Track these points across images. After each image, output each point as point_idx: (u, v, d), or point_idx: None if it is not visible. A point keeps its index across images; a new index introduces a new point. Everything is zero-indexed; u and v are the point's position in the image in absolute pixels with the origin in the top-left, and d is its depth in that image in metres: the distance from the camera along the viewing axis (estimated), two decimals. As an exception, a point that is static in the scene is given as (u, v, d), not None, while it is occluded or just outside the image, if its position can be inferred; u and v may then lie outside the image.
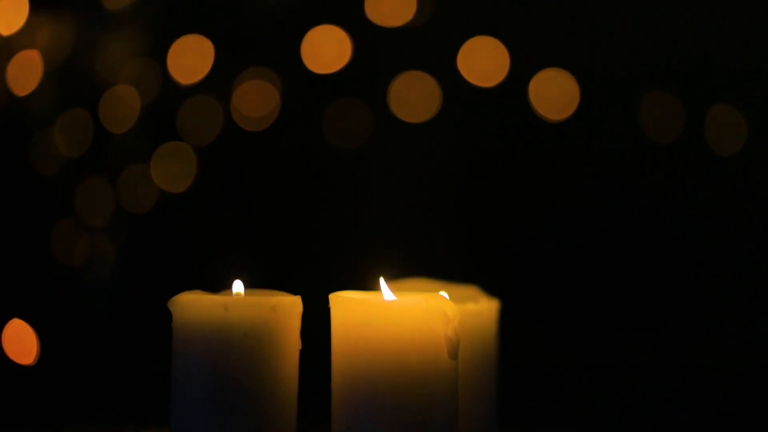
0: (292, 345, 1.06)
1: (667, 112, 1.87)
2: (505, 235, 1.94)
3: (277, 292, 1.08)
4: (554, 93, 1.88)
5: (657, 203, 1.92)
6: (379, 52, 1.92)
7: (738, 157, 1.86)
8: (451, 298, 1.03)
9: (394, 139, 1.93)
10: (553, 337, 1.91)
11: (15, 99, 1.84)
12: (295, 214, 1.96)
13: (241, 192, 1.97)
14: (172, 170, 1.92)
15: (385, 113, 1.91)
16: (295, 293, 1.07)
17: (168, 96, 1.91)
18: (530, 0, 1.93)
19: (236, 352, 1.03)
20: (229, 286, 1.10)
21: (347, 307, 1.01)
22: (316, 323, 1.09)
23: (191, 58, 1.91)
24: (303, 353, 1.07)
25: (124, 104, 1.90)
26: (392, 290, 1.05)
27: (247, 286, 1.10)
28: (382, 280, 1.06)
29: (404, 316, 0.99)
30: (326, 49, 1.91)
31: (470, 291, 1.22)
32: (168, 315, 1.06)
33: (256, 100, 1.93)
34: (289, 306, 1.05)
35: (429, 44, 1.91)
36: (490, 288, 1.24)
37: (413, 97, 1.91)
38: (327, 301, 1.03)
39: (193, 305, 1.04)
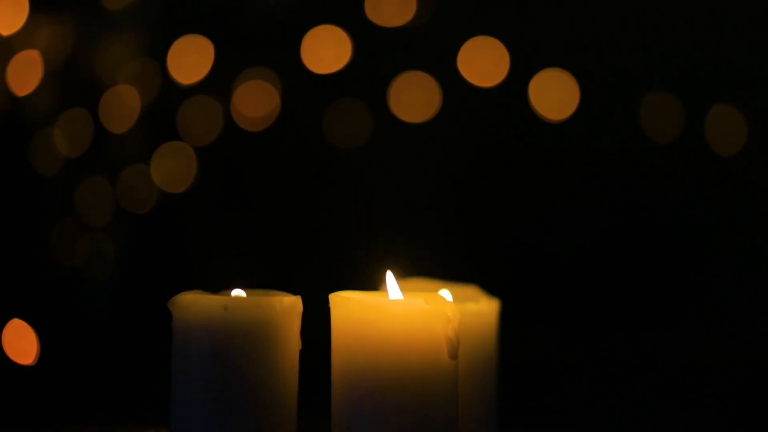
0: (292, 345, 1.06)
1: (667, 112, 1.87)
2: (505, 235, 1.94)
3: (277, 292, 1.08)
4: (554, 93, 1.88)
5: (657, 203, 1.92)
6: (379, 52, 1.92)
7: (738, 157, 1.86)
8: (451, 298, 1.03)
9: (394, 139, 1.93)
10: (553, 337, 1.91)
11: (15, 99, 1.84)
12: (295, 214, 1.96)
13: (241, 192, 1.97)
14: (172, 170, 1.92)
15: (385, 113, 1.91)
16: (295, 293, 1.07)
17: (168, 96, 1.91)
18: (530, 0, 1.93)
19: (236, 352, 1.03)
20: (229, 288, 1.10)
21: (347, 307, 1.01)
22: (316, 323, 1.09)
23: (191, 58, 1.91)
24: (303, 353, 1.07)
25: (124, 104, 1.90)
26: (396, 288, 1.05)
27: (247, 286, 1.10)
28: (389, 274, 1.06)
29: (404, 316, 0.99)
30: (326, 49, 1.91)
31: (470, 291, 1.22)
32: (168, 315, 1.06)
33: (256, 100, 1.93)
34: (289, 306, 1.05)
35: (429, 44, 1.91)
36: (490, 288, 1.24)
37: (413, 97, 1.91)
38: (327, 301, 1.03)
39: (193, 305, 1.04)
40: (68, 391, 1.83)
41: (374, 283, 1.19)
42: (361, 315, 1.00)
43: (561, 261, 1.93)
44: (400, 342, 0.99)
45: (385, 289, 1.06)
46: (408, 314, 0.99)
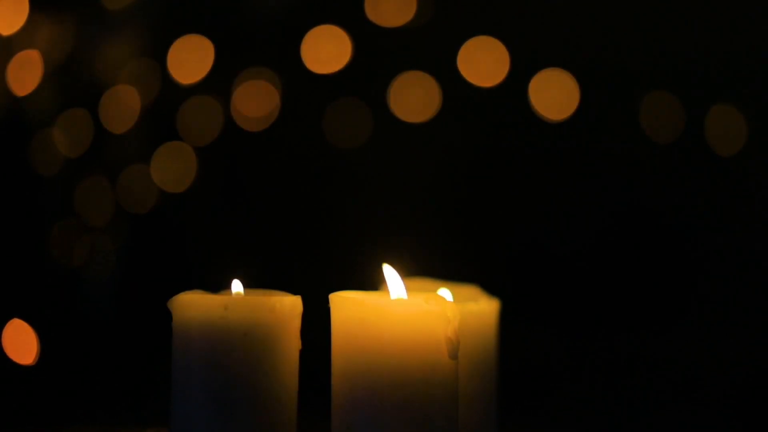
0: (292, 345, 1.06)
1: (667, 112, 1.87)
2: (505, 235, 1.94)
3: (277, 292, 1.08)
4: (554, 93, 1.88)
5: (657, 203, 1.92)
6: (379, 52, 1.92)
7: (738, 157, 1.86)
8: (451, 298, 1.03)
9: (394, 139, 1.93)
10: (553, 337, 1.91)
11: (15, 99, 1.84)
12: (295, 214, 1.96)
13: (241, 192, 1.97)
14: (172, 170, 1.92)
15: (385, 113, 1.91)
16: (295, 293, 1.07)
17: (168, 96, 1.91)
18: (530, 0, 1.93)
19: (236, 352, 1.03)
20: (229, 286, 1.10)
21: (347, 307, 1.01)
22: (316, 323, 1.09)
23: (191, 58, 1.91)
24: (303, 353, 1.07)
25: (124, 104, 1.90)
26: (391, 285, 1.05)
27: (247, 286, 1.10)
28: (387, 267, 1.05)
29: (404, 317, 0.99)
30: (326, 49, 1.91)
31: (470, 291, 1.22)
32: (168, 315, 1.06)
33: (256, 100, 1.93)
34: (289, 306, 1.05)
35: (429, 44, 1.91)
36: (490, 288, 1.24)
37: (413, 97, 1.91)
38: (327, 301, 1.03)
39: (193, 305, 1.04)
40: (68, 391, 1.83)
41: (374, 283, 1.18)
42: (361, 315, 1.00)
43: (561, 261, 1.93)
44: (400, 342, 0.99)
45: (385, 287, 1.06)
46: (408, 314, 0.99)
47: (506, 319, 1.23)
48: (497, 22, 1.91)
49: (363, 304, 1.00)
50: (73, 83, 1.88)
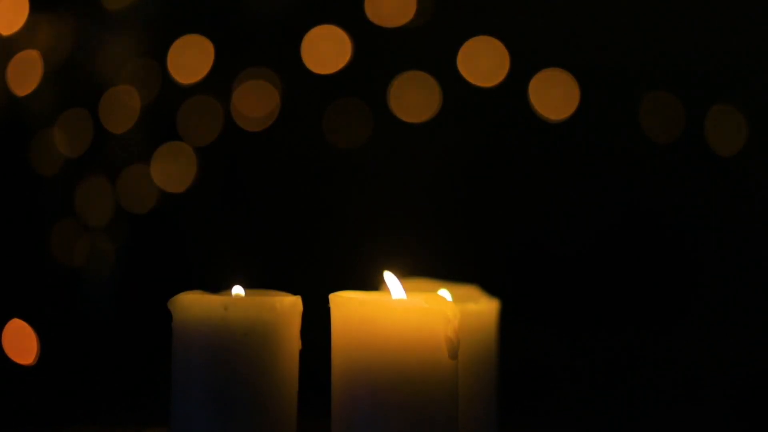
0: (292, 345, 1.06)
1: (667, 112, 1.87)
2: (505, 235, 1.94)
3: (277, 292, 1.08)
4: (554, 93, 1.88)
5: (657, 203, 1.92)
6: (379, 52, 1.92)
7: (738, 157, 1.86)
8: (451, 298, 1.03)
9: (394, 139, 1.93)
10: (553, 337, 1.91)
11: (15, 99, 1.84)
12: (295, 214, 1.96)
13: (241, 192, 1.97)
14: (172, 170, 1.92)
15: (385, 113, 1.91)
16: (295, 293, 1.07)
17: (168, 96, 1.91)
18: (530, 0, 1.93)
19: (236, 352, 1.03)
20: (229, 287, 1.10)
21: (347, 307, 1.01)
22: (316, 323, 1.09)
23: (191, 58, 1.91)
24: (303, 353, 1.07)
25: (124, 104, 1.90)
26: (392, 290, 1.05)
27: (247, 286, 1.10)
28: (388, 273, 1.06)
29: (404, 316, 0.99)
30: (326, 49, 1.91)
31: (470, 291, 1.22)
32: (168, 315, 1.06)
33: (256, 100, 1.93)
34: (289, 306, 1.05)
35: (429, 44, 1.91)
36: (490, 288, 1.24)
37: (413, 97, 1.91)
38: (327, 301, 1.03)
39: (193, 305, 1.04)
40: (68, 391, 1.83)
41: (374, 283, 1.19)
42: (361, 315, 1.00)
43: (561, 261, 1.93)
44: (400, 342, 0.99)
45: (385, 289, 1.06)
46: (408, 314, 0.99)
47: (506, 319, 1.23)
48: (497, 22, 1.91)
49: (363, 304, 1.00)
50: (73, 83, 1.88)
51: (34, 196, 1.88)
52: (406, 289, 1.05)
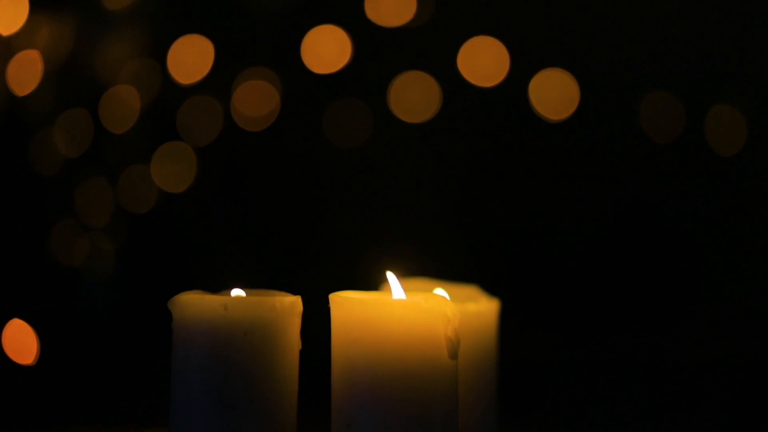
0: (292, 345, 1.06)
1: (667, 112, 1.87)
2: (505, 235, 1.94)
3: (277, 292, 1.08)
4: (554, 93, 1.88)
5: (657, 203, 1.92)
6: (379, 52, 1.92)
7: (738, 157, 1.86)
8: (451, 298, 1.03)
9: (394, 139, 1.93)
10: (553, 337, 1.91)
11: (15, 99, 1.84)
12: (295, 214, 1.96)
13: (241, 192, 1.97)
14: (172, 170, 1.92)
15: (385, 113, 1.91)
16: (295, 293, 1.07)
17: (168, 96, 1.91)
18: (530, 0, 1.93)
19: (236, 352, 1.03)
20: (229, 288, 1.10)
21: (347, 307, 1.01)
22: (316, 323, 1.09)
23: (191, 58, 1.91)
24: (303, 353, 1.07)
25: (124, 104, 1.90)
26: (394, 290, 1.05)
27: (247, 286, 1.10)
28: (390, 274, 1.06)
29: (404, 316, 0.99)
30: (326, 49, 1.91)
31: (470, 291, 1.22)
32: (168, 315, 1.06)
33: (256, 100, 1.93)
34: (289, 306, 1.05)
35: (429, 44, 1.91)
36: (490, 288, 1.24)
37: (413, 97, 1.91)
38: (327, 301, 1.03)
39: (193, 305, 1.04)
40: (68, 391, 1.83)
41: (374, 283, 1.19)
42: (361, 315, 1.00)
43: (561, 261, 1.93)
44: (400, 342, 0.99)
45: (386, 289, 1.05)
46: (408, 314, 0.99)
47: (506, 319, 1.23)
48: (497, 22, 1.91)
49: (363, 304, 1.00)
50: (73, 83, 1.88)
51: (34, 196, 1.88)
52: (406, 289, 1.05)
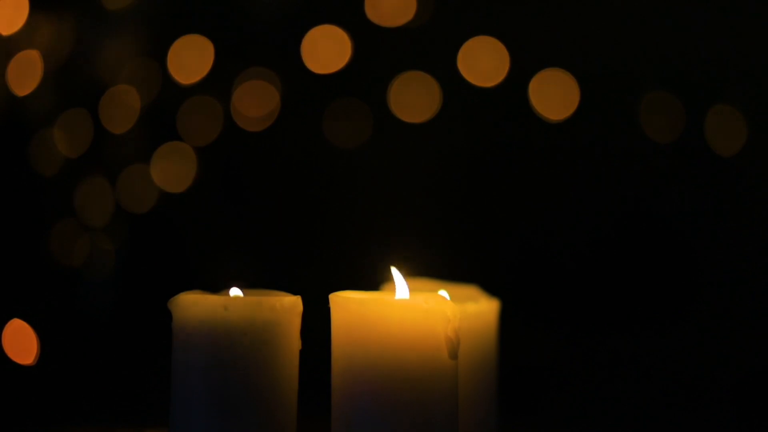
0: (292, 345, 1.06)
1: (667, 112, 1.87)
2: (505, 235, 1.94)
3: (277, 292, 1.08)
4: (554, 93, 1.88)
5: (657, 203, 1.92)
6: (379, 52, 1.92)
7: (738, 157, 1.86)
8: (451, 298, 1.03)
9: (394, 139, 1.93)
10: (553, 337, 1.91)
11: (15, 99, 1.84)
12: (295, 214, 1.96)
13: (240, 192, 1.97)
14: (172, 170, 1.92)
15: (385, 113, 1.91)
16: (295, 293, 1.07)
17: (168, 96, 1.91)
18: (530, 0, 1.93)
19: (236, 352, 1.03)
20: (228, 288, 1.10)
21: (347, 307, 1.01)
22: (316, 323, 1.09)
23: (191, 58, 1.91)
24: (303, 353, 1.07)
25: (124, 104, 1.90)
26: (398, 286, 1.05)
27: (246, 286, 1.10)
28: (395, 270, 1.05)
29: (404, 316, 0.99)
30: (326, 49, 1.91)
31: (470, 291, 1.22)
32: (168, 315, 1.06)
33: (256, 100, 1.93)
34: (289, 306, 1.05)
35: (429, 44, 1.91)
36: (490, 288, 1.24)
37: (413, 97, 1.91)
38: (327, 301, 1.03)
39: (193, 305, 1.04)
40: (68, 391, 1.83)
41: (375, 283, 1.18)
42: (361, 315, 1.00)
43: (561, 261, 1.93)
44: (400, 342, 0.99)
45: (389, 288, 1.05)
46: (408, 314, 0.99)
47: (506, 319, 1.23)
48: (497, 22, 1.91)
49: (363, 304, 1.00)
50: (73, 83, 1.88)
51: (34, 196, 1.88)
52: (407, 288, 1.05)
